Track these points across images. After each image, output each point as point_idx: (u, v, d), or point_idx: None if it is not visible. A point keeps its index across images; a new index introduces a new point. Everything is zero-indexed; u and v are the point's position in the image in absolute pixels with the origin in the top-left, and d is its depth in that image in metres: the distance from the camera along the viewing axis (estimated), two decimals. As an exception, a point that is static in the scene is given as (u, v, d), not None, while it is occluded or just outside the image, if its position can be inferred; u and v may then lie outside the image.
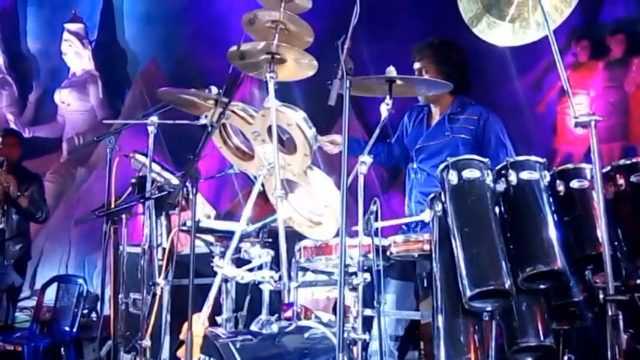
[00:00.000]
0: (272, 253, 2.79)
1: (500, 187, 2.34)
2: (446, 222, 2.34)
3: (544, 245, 2.23)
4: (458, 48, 3.45)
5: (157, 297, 3.10)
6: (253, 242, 2.89)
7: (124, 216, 3.50)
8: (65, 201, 8.68)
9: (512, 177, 2.32)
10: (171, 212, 3.43)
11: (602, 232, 2.08)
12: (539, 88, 6.46)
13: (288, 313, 2.75)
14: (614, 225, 2.23)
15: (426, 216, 3.07)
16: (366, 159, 2.46)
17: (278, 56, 2.80)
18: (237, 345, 2.44)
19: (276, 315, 2.78)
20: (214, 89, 2.92)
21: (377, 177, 6.16)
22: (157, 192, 3.28)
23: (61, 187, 8.81)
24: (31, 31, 9.73)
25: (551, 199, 2.32)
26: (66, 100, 9.20)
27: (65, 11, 9.29)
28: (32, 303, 5.80)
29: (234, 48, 2.82)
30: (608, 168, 2.35)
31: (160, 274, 3.20)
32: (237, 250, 2.79)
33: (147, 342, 3.07)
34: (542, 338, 2.24)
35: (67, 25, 9.20)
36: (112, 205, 3.48)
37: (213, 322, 2.82)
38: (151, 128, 3.31)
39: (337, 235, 2.51)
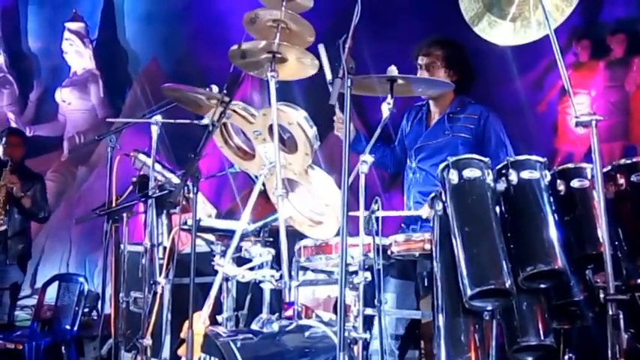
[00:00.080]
0: (273, 252, 2.79)
1: (501, 186, 2.34)
2: (446, 221, 2.35)
3: (544, 245, 2.23)
4: (463, 48, 3.45)
5: (158, 296, 3.10)
6: (254, 241, 2.89)
7: (124, 215, 3.50)
8: (66, 200, 8.69)
9: (513, 176, 2.32)
10: (172, 211, 3.43)
11: (602, 231, 2.08)
12: (540, 88, 6.46)
13: (289, 312, 2.75)
14: (614, 224, 2.23)
15: (424, 212, 3.09)
16: (367, 158, 2.46)
17: (279, 55, 2.80)
18: (238, 344, 2.44)
19: (277, 314, 2.78)
20: (215, 88, 2.92)
21: (378, 176, 6.15)
22: (157, 191, 3.29)
23: (62, 186, 8.82)
24: (31, 29, 9.73)
25: (551, 199, 2.32)
26: (67, 99, 9.21)
27: (66, 10, 9.28)
28: (33, 302, 5.82)
29: (235, 47, 2.82)
30: (609, 167, 2.35)
31: (160, 273, 3.20)
32: (238, 249, 2.79)
33: (148, 341, 3.07)
34: (542, 337, 2.24)
35: (68, 24, 9.20)
36: (113, 204, 3.48)
37: (213, 321, 2.83)
38: (154, 127, 3.31)
39: (338, 234, 2.52)
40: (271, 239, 2.97)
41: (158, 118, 3.33)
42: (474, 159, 2.39)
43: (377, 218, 2.56)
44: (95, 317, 5.45)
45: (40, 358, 4.45)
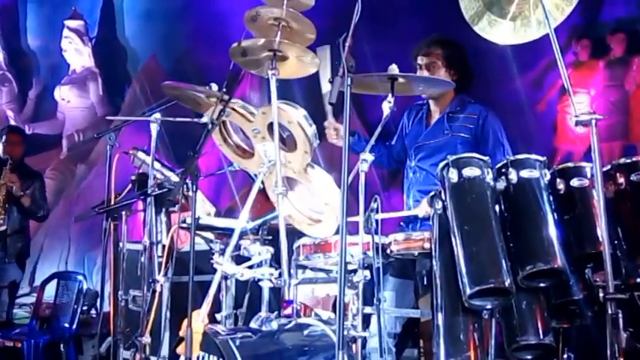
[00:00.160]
0: (272, 250, 2.79)
1: (501, 185, 2.34)
2: (446, 220, 2.34)
3: (544, 243, 2.23)
4: (463, 48, 3.45)
5: (157, 294, 3.11)
6: (253, 239, 2.89)
7: (123, 213, 3.50)
8: (65, 198, 8.69)
9: (513, 175, 2.32)
10: (171, 209, 3.43)
11: (602, 230, 2.08)
12: (540, 87, 6.46)
13: (288, 311, 2.75)
14: (614, 224, 2.23)
15: (421, 211, 3.08)
16: (367, 156, 2.46)
17: (280, 53, 2.80)
18: (237, 342, 2.44)
19: (276, 312, 2.78)
20: (214, 86, 2.92)
21: (377, 175, 6.16)
22: (157, 189, 3.28)
23: (61, 184, 8.81)
24: (31, 27, 9.72)
25: (551, 198, 2.32)
26: (66, 96, 9.20)
27: (65, 8, 9.28)
28: (32, 299, 5.82)
29: (236, 44, 2.82)
30: (609, 167, 2.34)
31: (159, 271, 3.20)
32: (237, 247, 2.79)
33: (146, 339, 3.08)
34: (541, 336, 2.24)
35: (67, 22, 9.20)
36: (112, 202, 3.48)
37: (212, 319, 2.83)
38: (154, 125, 3.30)
39: (337, 232, 2.52)
40: (270, 237, 2.97)
41: (157, 116, 3.32)
42: (473, 158, 2.39)
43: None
44: (94, 315, 5.45)
45: (39, 356, 4.45)
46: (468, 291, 2.18)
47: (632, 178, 2.30)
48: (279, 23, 2.81)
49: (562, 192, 2.34)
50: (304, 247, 2.89)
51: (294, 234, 2.96)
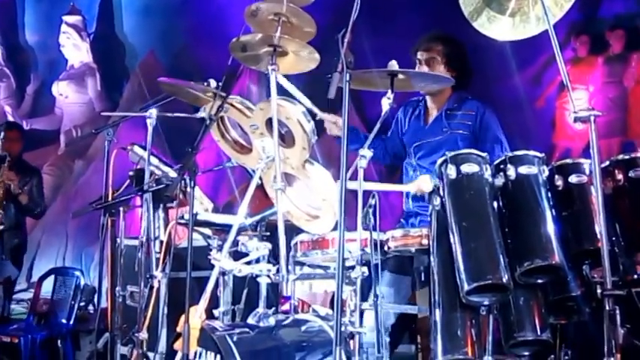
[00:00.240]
0: (269, 246, 2.79)
1: (499, 181, 2.34)
2: (444, 216, 2.34)
3: (542, 240, 2.23)
4: (463, 45, 3.45)
5: (155, 290, 3.10)
6: (251, 235, 2.89)
7: (121, 209, 3.49)
8: (63, 194, 8.67)
9: (511, 171, 2.32)
10: (169, 205, 3.42)
11: (600, 227, 2.08)
12: (539, 83, 6.46)
13: (286, 307, 2.75)
14: (612, 220, 2.23)
15: (412, 187, 3.06)
16: (366, 153, 2.45)
17: (280, 49, 2.79)
18: (235, 338, 2.44)
19: (274, 308, 2.78)
20: (213, 82, 2.91)
21: (376, 171, 6.15)
22: (154, 185, 3.28)
23: (59, 180, 8.80)
24: (29, 23, 9.69)
25: (549, 194, 2.32)
26: (64, 92, 9.18)
27: (63, 3, 9.25)
28: (29, 295, 5.81)
29: (236, 39, 2.81)
30: (607, 163, 2.35)
31: (157, 267, 3.20)
32: (235, 243, 2.78)
33: (144, 334, 3.07)
34: (539, 333, 2.25)
35: (66, 18, 9.17)
36: (110, 198, 3.47)
37: (210, 315, 2.83)
38: (149, 121, 3.29)
39: (335, 228, 2.51)
40: (268, 233, 2.97)
41: (153, 111, 3.31)
42: (472, 154, 2.39)
43: (374, 213, 2.55)
44: (91, 311, 5.44)
45: (36, 352, 4.45)
46: (466, 287, 2.18)
47: (630, 175, 2.30)
48: (279, 18, 2.80)
49: (560, 188, 2.34)
50: (302, 243, 2.89)
51: (292, 230, 2.95)
